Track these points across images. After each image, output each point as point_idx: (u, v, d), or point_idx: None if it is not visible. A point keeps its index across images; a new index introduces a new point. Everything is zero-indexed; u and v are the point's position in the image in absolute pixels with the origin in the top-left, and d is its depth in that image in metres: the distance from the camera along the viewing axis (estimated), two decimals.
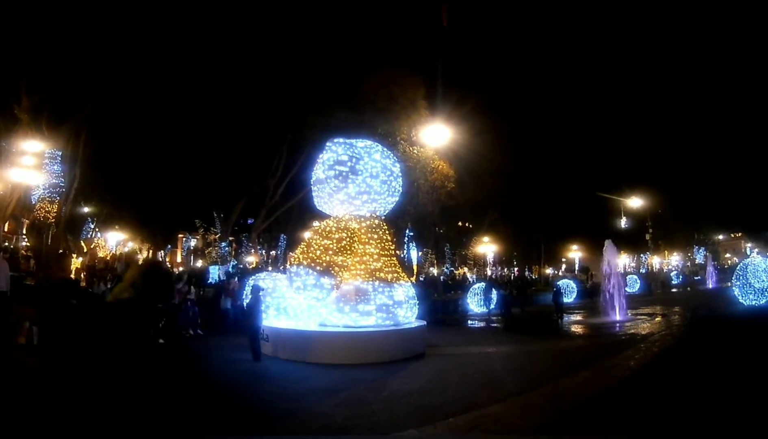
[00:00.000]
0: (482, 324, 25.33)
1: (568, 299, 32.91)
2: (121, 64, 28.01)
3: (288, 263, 16.87)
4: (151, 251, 56.53)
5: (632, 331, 19.92)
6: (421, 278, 36.20)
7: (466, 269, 57.74)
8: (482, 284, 32.04)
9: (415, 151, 29.72)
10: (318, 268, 14.20)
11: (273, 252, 51.58)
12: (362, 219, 15.52)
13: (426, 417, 8.23)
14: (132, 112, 31.41)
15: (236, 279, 23.93)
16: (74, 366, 11.42)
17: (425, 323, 16.02)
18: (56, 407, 8.36)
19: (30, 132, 27.63)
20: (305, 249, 15.31)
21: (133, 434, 7.34)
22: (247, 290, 16.15)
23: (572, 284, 37.61)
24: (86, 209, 45.16)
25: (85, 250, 42.53)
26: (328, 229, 15.34)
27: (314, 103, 29.99)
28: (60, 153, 29.92)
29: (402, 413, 8.55)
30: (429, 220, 35.88)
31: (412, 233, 37.17)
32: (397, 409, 8.88)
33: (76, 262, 33.39)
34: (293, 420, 8.25)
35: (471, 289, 31.46)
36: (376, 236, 15.49)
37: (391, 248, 16.25)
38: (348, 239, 14.92)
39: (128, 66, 28.28)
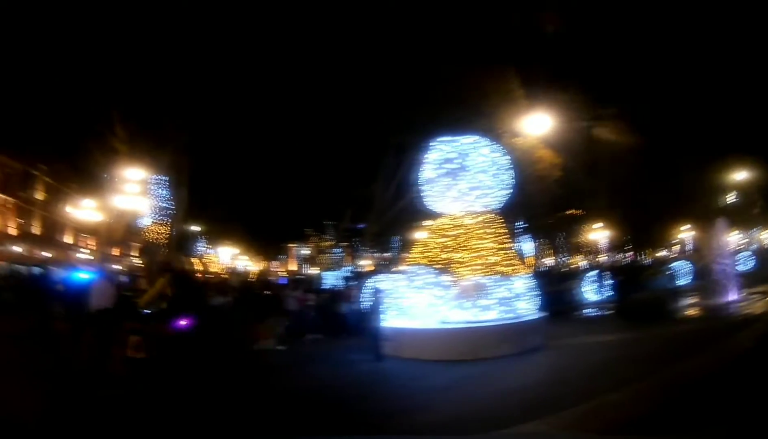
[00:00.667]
0: (597, 313, 24.75)
1: (681, 281, 31.47)
2: (217, 83, 29.11)
3: (405, 263, 17.05)
4: (264, 263, 58.78)
5: (747, 311, 18.82)
6: (536, 270, 35.66)
7: (579, 257, 56.40)
8: (596, 272, 31.21)
9: (518, 142, 29.39)
10: (437, 266, 14.35)
11: (386, 254, 52.21)
12: (476, 214, 15.53)
13: (545, 409, 8.06)
14: (233, 128, 32.65)
15: (353, 283, 24.45)
16: (192, 375, 11.91)
17: (544, 314, 15.80)
18: (178, 414, 8.75)
19: (130, 161, 29.32)
20: (423, 248, 15.52)
21: (255, 433, 7.64)
22: (366, 292, 16.45)
23: (684, 266, 35.92)
24: (196, 228, 47.51)
25: (197, 266, 44.69)
26: (443, 227, 15.48)
27: (413, 106, 30.16)
28: (166, 178, 31.42)
29: (519, 406, 8.44)
30: (539, 210, 35.36)
31: (524, 225, 36.74)
32: (513, 402, 8.83)
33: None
34: (409, 417, 8.33)
35: (585, 277, 30.68)
36: (491, 230, 15.47)
37: (507, 240, 16.18)
38: (464, 235, 15.00)
39: (224, 83, 29.35)
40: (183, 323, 13.15)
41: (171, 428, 8.07)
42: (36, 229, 52.45)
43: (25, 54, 28.61)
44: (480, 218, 15.51)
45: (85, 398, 9.96)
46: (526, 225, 37.32)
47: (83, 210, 35.99)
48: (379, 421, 8.12)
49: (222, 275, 38.76)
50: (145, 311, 14.94)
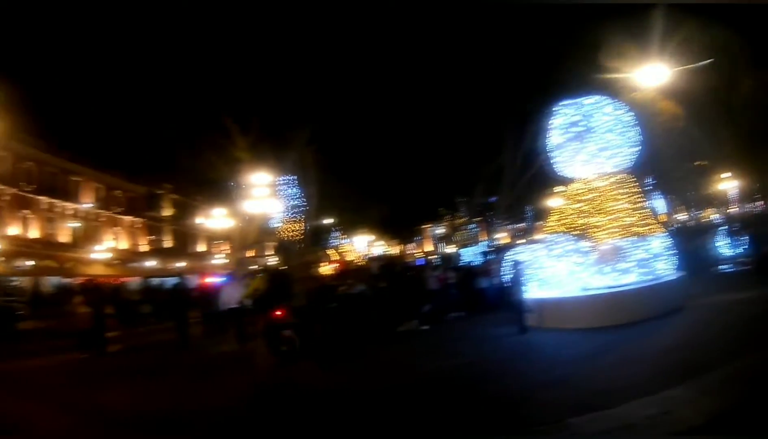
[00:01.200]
0: (732, 268, 23.84)
1: None
2: (338, 72, 29.67)
3: (542, 232, 16.92)
4: (400, 246, 59.68)
5: None
6: (669, 227, 34.32)
7: (710, 211, 53.61)
8: (727, 226, 29.64)
9: (636, 97, 28.21)
10: (574, 232, 14.17)
11: (521, 225, 51.72)
12: (607, 176, 15.17)
13: (689, 372, 7.95)
14: (356, 118, 33.27)
15: (491, 258, 24.47)
16: (333, 366, 12.35)
17: (683, 273, 15.26)
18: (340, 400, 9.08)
19: (254, 166, 30.54)
20: (559, 215, 15.36)
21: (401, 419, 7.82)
22: (505, 266, 16.43)
23: None
24: (329, 220, 48.98)
25: (333, 257, 46.06)
26: (577, 192, 15.27)
27: (531, 72, 29.64)
28: (294, 177, 32.48)
29: (665, 370, 8.30)
30: (666, 165, 33.90)
31: (653, 182, 35.40)
32: (659, 366, 8.67)
33: (325, 269, 36.24)
34: (561, 388, 8.31)
35: (717, 232, 29.17)
36: (624, 191, 15.07)
37: (640, 200, 15.72)
38: (598, 199, 14.73)
39: (345, 72, 29.88)
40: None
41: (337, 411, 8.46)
42: (167, 243, 56.59)
43: (137, 81, 30.42)
44: (612, 179, 15.15)
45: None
46: (655, 182, 35.83)
47: (213, 219, 38.08)
48: (526, 395, 8.13)
49: (358, 263, 39.79)
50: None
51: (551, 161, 15.99)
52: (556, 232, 14.74)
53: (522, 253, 15.77)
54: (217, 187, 37.10)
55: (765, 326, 10.66)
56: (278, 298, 14.93)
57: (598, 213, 14.59)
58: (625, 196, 14.99)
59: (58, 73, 52.21)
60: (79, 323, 14.65)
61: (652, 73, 27.07)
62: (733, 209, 55.72)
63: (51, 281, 40.82)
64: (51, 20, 39.01)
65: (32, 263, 40.07)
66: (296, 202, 31.71)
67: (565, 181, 16.19)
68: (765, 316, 11.62)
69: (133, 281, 44.42)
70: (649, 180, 34.78)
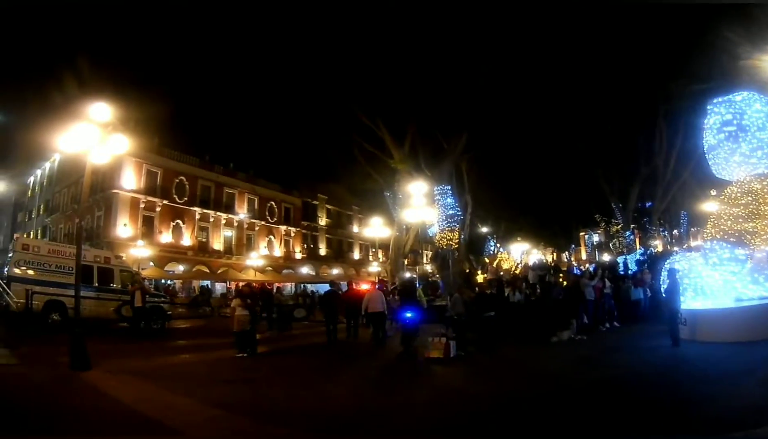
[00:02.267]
0: None
1: None
2: (491, 84, 29.84)
3: (693, 240, 16.21)
4: (555, 254, 58.57)
5: None
6: None
7: None
8: None
9: None
10: (731, 239, 13.60)
11: (676, 231, 48.73)
12: (763, 177, 14.33)
13: None
14: (506, 128, 33.29)
15: (646, 267, 23.63)
16: (487, 371, 12.59)
17: None
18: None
19: (411, 177, 31.64)
20: (715, 221, 14.73)
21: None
22: (661, 275, 16.02)
23: None
24: (485, 229, 49.36)
25: (491, 266, 46.32)
26: (732, 195, 14.62)
27: (675, 69, 27.95)
28: (449, 187, 33.24)
29: None
30: None
31: None
32: None
33: (480, 277, 36.61)
34: (712, 405, 8.04)
35: None
36: None
37: None
38: (754, 203, 13.97)
39: (497, 82, 29.98)
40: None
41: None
42: (322, 250, 61.45)
43: (286, 92, 32.63)
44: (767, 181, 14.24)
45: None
46: None
47: (371, 227, 40.01)
48: (683, 408, 8.07)
49: (515, 272, 39.77)
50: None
51: (705, 163, 15.36)
52: (713, 238, 14.13)
53: (679, 261, 15.29)
54: (374, 196, 38.81)
55: None
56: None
57: (755, 218, 13.82)
58: None
59: (211, 91, 58.56)
60: (237, 325, 16.02)
61: None
62: None
63: (203, 284, 45.64)
64: (196, 35, 42.58)
65: (184, 267, 44.92)
66: (452, 211, 32.30)
67: (720, 183, 15.44)
68: None
69: (288, 286, 48.72)
70: None
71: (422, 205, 29.68)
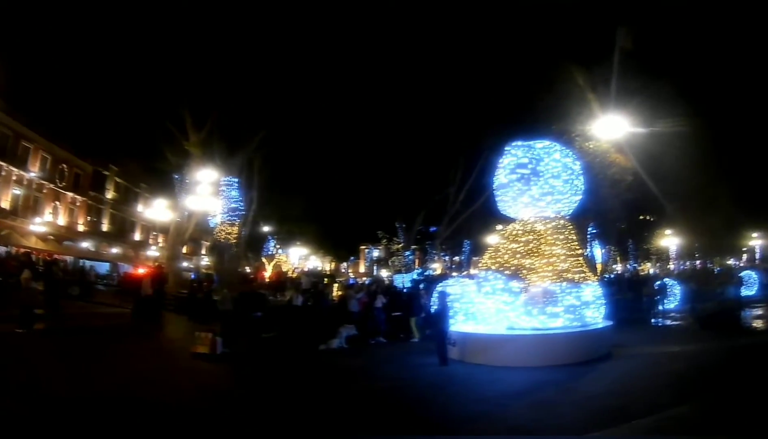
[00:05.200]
0: (666, 322, 24.35)
1: (749, 291, 30.53)
2: (292, 85, 29.61)
3: (474, 268, 17.09)
4: (333, 264, 59.69)
5: None
6: (605, 276, 35.07)
7: (649, 265, 55.15)
8: (666, 280, 30.59)
9: (590, 146, 28.94)
10: (506, 272, 14.36)
11: (457, 258, 52.20)
12: (547, 220, 15.44)
13: (611, 419, 8.14)
14: (307, 130, 33.23)
15: (422, 287, 24.58)
16: (253, 374, 12.31)
17: (611, 323, 15.60)
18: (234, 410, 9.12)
19: (202, 163, 30.26)
20: (493, 254, 15.53)
21: (315, 436, 7.82)
22: (434, 296, 16.54)
23: (753, 275, 34.67)
24: (266, 228, 48.67)
25: (267, 266, 45.83)
26: (514, 232, 15.49)
27: (486, 110, 30.11)
28: (237, 180, 32.29)
29: (587, 415, 8.50)
30: (610, 215, 34.76)
31: (594, 231, 36.18)
32: (582, 411, 8.87)
33: (258, 276, 36.06)
34: (480, 423, 8.41)
35: (655, 285, 30.00)
36: (562, 237, 15.35)
37: (577, 247, 16.01)
38: (535, 241, 14.98)
39: (299, 85, 29.84)
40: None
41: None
42: (105, 226, 54.92)
43: (99, 55, 29.77)
44: (551, 224, 15.41)
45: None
46: (597, 231, 36.70)
47: (154, 209, 37.45)
48: (456, 426, 8.26)
49: (291, 275, 39.67)
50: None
51: (495, 199, 16.15)
52: (489, 268, 14.90)
53: (451, 285, 15.93)
54: (163, 177, 36.53)
55: (685, 378, 10.94)
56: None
57: (533, 255, 14.80)
58: (561, 242, 15.25)
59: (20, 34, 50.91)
60: (27, 299, 14.27)
61: (609, 126, 27.76)
62: (672, 264, 57.47)
63: None
64: None
65: None
66: (236, 204, 31.32)
67: (506, 220, 16.35)
68: (687, 369, 11.94)
69: (65, 260, 42.57)
70: (591, 228, 35.54)
71: (208, 194, 28.31)
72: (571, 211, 16.09)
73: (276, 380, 11.87)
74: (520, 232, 15.38)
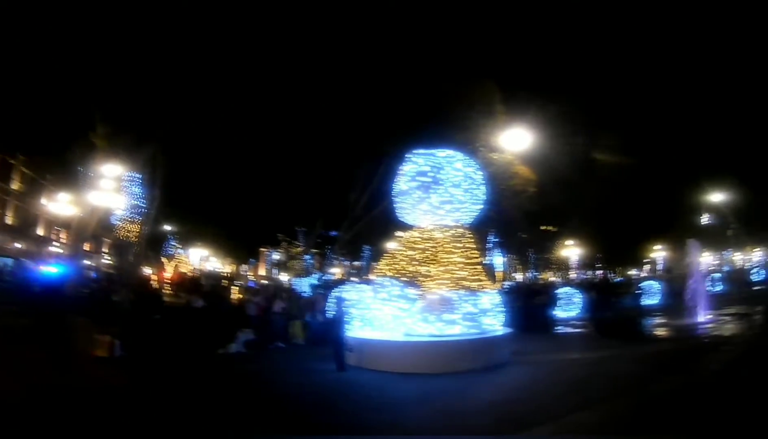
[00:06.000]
0: (567, 330, 24.76)
1: (652, 300, 31.92)
2: (196, 87, 28.94)
3: (373, 274, 17.01)
4: (233, 266, 58.56)
5: (716, 333, 19.19)
6: (506, 285, 35.83)
7: (550, 274, 56.93)
8: (567, 289, 31.52)
9: (494, 157, 29.58)
10: (403, 278, 14.38)
11: (357, 263, 52.21)
12: (446, 228, 15.55)
13: (511, 426, 8.26)
14: (210, 132, 32.48)
15: (321, 292, 24.38)
16: (153, 377, 11.94)
17: (510, 330, 15.83)
18: (133, 416, 8.75)
19: (107, 157, 29.10)
20: (390, 260, 15.52)
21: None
22: (332, 301, 16.41)
23: (655, 286, 36.37)
24: (168, 227, 47.25)
25: (168, 266, 44.54)
26: (412, 239, 15.53)
27: (392, 116, 30.22)
28: (140, 176, 31.24)
29: (486, 422, 8.59)
30: (512, 225, 35.59)
31: (495, 240, 36.97)
32: (482, 418, 8.93)
33: (159, 277, 34.96)
34: (378, 431, 8.37)
35: (556, 294, 30.88)
36: (460, 245, 15.48)
37: (476, 256, 16.19)
38: (432, 249, 15.07)
39: (202, 88, 29.18)
40: None
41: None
42: (9, 219, 51.50)
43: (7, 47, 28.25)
44: (450, 232, 15.53)
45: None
46: (499, 240, 37.54)
47: (58, 203, 35.63)
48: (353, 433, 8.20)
49: (191, 277, 38.61)
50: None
51: (395, 206, 16.15)
52: (386, 275, 14.88)
53: (348, 291, 15.84)
54: (69, 169, 34.79)
55: (586, 385, 11.17)
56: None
57: (431, 263, 14.87)
58: (460, 250, 15.39)
59: None
60: None
61: (514, 138, 28.46)
62: (573, 274, 59.58)
63: None
64: None
65: None
66: (138, 202, 30.27)
67: (406, 226, 16.37)
68: (588, 376, 12.20)
69: None
70: (492, 237, 36.37)
71: (111, 189, 27.10)
72: (471, 220, 16.25)
73: (173, 384, 11.44)
74: (418, 239, 15.43)
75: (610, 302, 28.01)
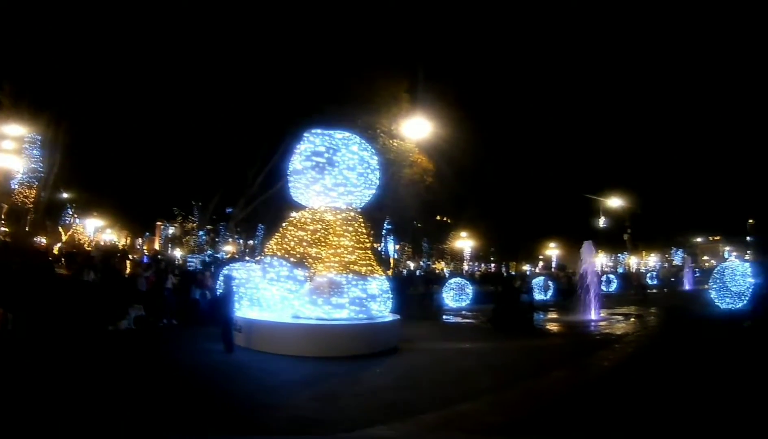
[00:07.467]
0: (457, 320, 25.19)
1: (544, 296, 33.05)
2: (103, 53, 27.81)
3: (262, 253, 16.66)
4: (128, 238, 56.28)
5: (607, 331, 20.06)
6: (399, 272, 36.12)
7: (443, 264, 57.95)
8: (458, 280, 32.11)
9: (395, 144, 29.70)
10: (292, 259, 14.13)
11: (251, 242, 51.35)
12: (338, 211, 15.40)
13: (396, 413, 8.21)
14: (112, 100, 31.12)
15: (211, 269, 23.74)
16: (44, 355, 11.47)
17: (399, 317, 15.86)
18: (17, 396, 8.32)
19: (11, 116, 27.36)
20: (279, 240, 15.18)
21: (97, 429, 7.19)
22: (221, 279, 15.98)
23: (549, 282, 37.65)
24: (65, 195, 44.98)
25: (64, 236, 42.36)
26: (303, 220, 15.25)
27: (294, 95, 29.78)
28: (40, 138, 29.55)
29: (372, 408, 8.53)
30: (408, 213, 35.81)
31: (390, 226, 37.15)
32: (367, 404, 8.87)
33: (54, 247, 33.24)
34: (265, 413, 8.20)
35: (447, 284, 31.37)
36: (351, 229, 15.35)
37: (367, 240, 16.11)
38: (323, 231, 14.86)
39: (109, 55, 28.06)
40: None
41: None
42: None
43: None
44: (342, 215, 15.37)
45: None
46: (393, 227, 37.77)
47: None
48: (241, 415, 8.08)
49: (87, 248, 36.77)
50: None
51: (289, 185, 15.84)
52: (274, 255, 14.56)
53: (237, 269, 15.43)
54: None
55: (473, 375, 11.36)
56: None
57: (320, 245, 14.67)
58: (350, 234, 15.26)
59: None
60: None
61: (415, 127, 28.66)
62: (466, 265, 61.06)
63: None
64: None
65: None
66: (36, 165, 28.47)
67: (299, 207, 16.08)
68: (476, 366, 12.46)
69: None
70: (386, 223, 36.57)
71: (12, 150, 25.33)
72: (363, 204, 16.18)
73: (58, 365, 10.84)
74: (309, 220, 15.18)
75: (501, 295, 28.87)
